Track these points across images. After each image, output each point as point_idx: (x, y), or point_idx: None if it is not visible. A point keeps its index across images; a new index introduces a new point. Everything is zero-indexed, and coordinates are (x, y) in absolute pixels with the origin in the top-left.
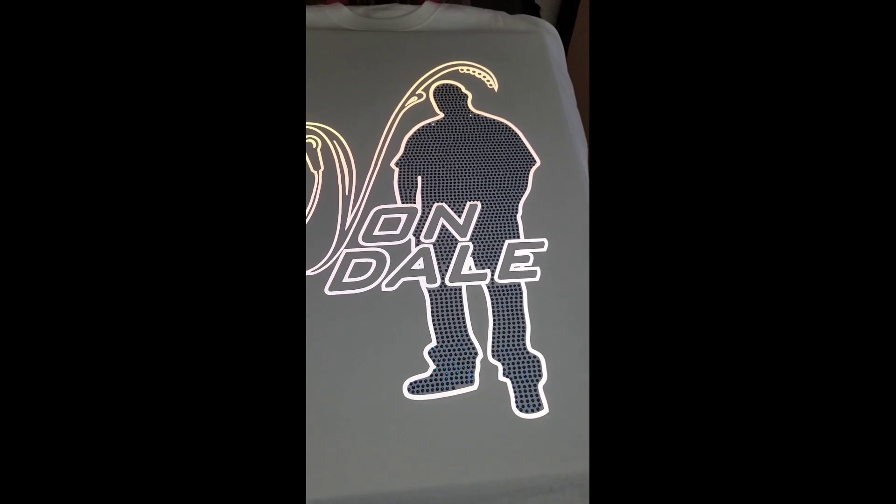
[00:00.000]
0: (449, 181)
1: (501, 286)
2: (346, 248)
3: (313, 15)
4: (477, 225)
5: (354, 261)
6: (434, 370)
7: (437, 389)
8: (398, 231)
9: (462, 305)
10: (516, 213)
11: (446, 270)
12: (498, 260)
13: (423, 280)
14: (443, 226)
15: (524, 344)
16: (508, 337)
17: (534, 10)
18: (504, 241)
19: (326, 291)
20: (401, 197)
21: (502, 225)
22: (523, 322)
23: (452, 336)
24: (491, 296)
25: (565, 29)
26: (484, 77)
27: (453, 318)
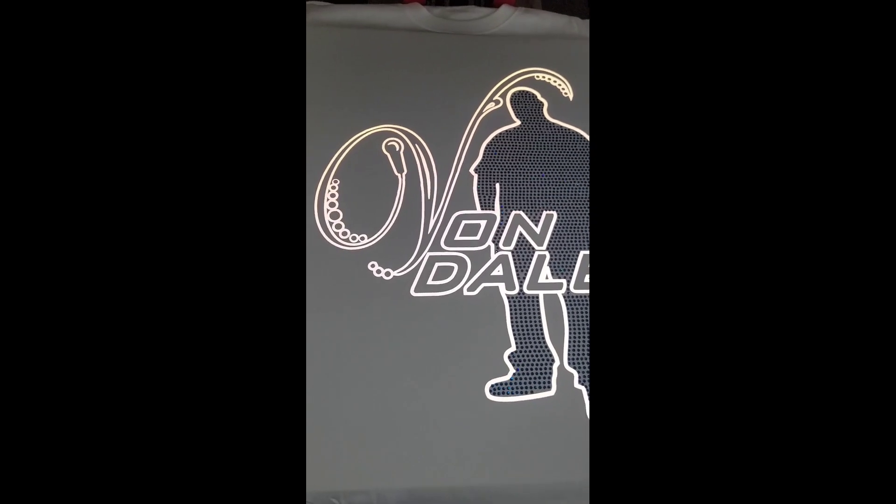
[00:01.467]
0: (526, 189)
1: (577, 296)
2: (429, 251)
3: (392, 14)
4: (553, 235)
5: (438, 264)
6: (514, 374)
7: (517, 392)
8: (478, 237)
9: (539, 313)
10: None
11: (524, 278)
12: (573, 270)
13: (502, 287)
14: (520, 234)
15: None
16: (584, 346)
17: None
18: (579, 252)
19: (412, 293)
20: (480, 203)
21: (577, 236)
22: None
23: (531, 342)
24: (567, 305)
25: None
26: (559, 85)
27: (531, 325)
